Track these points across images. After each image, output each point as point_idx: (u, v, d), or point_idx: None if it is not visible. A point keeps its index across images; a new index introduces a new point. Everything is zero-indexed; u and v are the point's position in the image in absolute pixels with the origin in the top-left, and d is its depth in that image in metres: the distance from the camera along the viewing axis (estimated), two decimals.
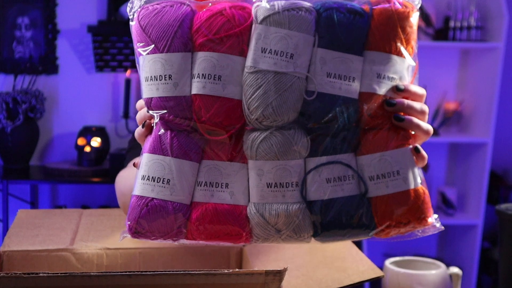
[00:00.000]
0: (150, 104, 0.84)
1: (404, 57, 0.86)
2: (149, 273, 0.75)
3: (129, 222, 0.82)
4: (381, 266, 1.17)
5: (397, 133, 0.83)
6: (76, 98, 3.24)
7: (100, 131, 3.03)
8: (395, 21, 0.83)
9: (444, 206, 3.32)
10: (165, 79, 0.83)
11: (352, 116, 0.81)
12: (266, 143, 0.80)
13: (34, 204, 3.14)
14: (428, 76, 3.44)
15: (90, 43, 3.20)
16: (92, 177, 2.90)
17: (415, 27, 0.86)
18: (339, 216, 0.81)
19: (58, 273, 0.74)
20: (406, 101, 0.84)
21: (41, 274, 0.73)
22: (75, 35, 3.23)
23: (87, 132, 3.01)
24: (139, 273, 0.75)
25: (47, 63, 3.21)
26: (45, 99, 3.11)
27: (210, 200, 0.82)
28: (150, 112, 0.84)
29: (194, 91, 0.81)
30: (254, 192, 0.81)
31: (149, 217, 0.81)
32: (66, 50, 3.23)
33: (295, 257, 1.10)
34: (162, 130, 0.83)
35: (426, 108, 0.87)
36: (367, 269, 1.04)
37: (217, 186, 0.82)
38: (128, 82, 3.10)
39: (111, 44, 3.22)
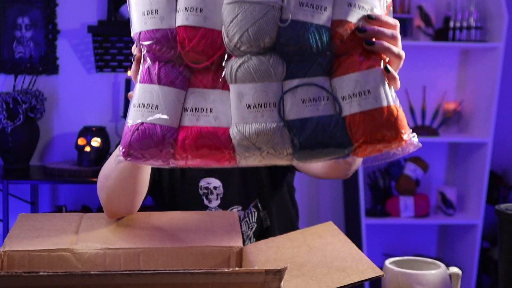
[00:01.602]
0: (139, 37, 0.92)
1: None
2: (149, 272, 0.75)
3: (122, 147, 0.90)
4: (381, 266, 1.17)
5: (369, 57, 0.88)
6: (76, 98, 3.25)
7: (100, 131, 3.03)
8: None
9: (444, 206, 3.32)
10: (152, 14, 0.91)
11: (324, 43, 0.87)
12: (244, 67, 0.87)
13: (34, 204, 3.14)
14: (428, 76, 3.44)
15: (90, 43, 3.20)
16: (92, 177, 2.90)
17: None
18: (315, 134, 0.86)
19: (58, 272, 0.74)
20: (377, 28, 0.88)
21: (41, 273, 0.73)
22: (75, 35, 3.23)
23: (87, 132, 3.01)
24: (139, 272, 0.75)
25: (47, 63, 3.21)
26: (45, 99, 3.11)
27: (196, 124, 0.89)
28: (140, 43, 0.92)
29: (178, 23, 0.89)
30: (235, 113, 0.88)
31: (140, 140, 0.89)
32: (66, 50, 3.23)
33: (295, 256, 1.10)
34: (150, 62, 0.91)
35: (398, 35, 0.90)
36: (366, 269, 1.04)
37: (202, 111, 0.90)
38: (128, 82, 3.10)
39: (111, 44, 3.22)
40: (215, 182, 1.50)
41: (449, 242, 3.53)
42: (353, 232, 3.24)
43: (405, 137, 0.86)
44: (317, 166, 1.29)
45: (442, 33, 3.27)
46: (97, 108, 3.26)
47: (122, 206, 1.22)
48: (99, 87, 3.25)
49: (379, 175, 3.34)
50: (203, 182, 1.50)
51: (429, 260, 1.21)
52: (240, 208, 1.50)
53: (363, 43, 0.87)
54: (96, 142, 2.99)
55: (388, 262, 1.18)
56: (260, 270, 0.76)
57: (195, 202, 1.49)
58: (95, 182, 3.17)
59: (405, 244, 3.53)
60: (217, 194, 1.50)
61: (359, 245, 3.12)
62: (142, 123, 0.89)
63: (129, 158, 0.89)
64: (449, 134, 3.38)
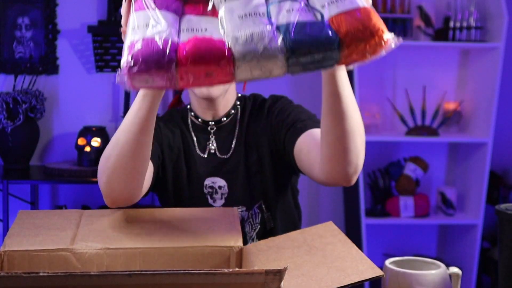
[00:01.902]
0: None
1: None
2: (149, 272, 0.75)
3: (124, 63, 0.90)
4: (380, 266, 1.17)
5: None
6: (76, 98, 3.25)
7: (100, 131, 3.03)
8: None
9: (444, 206, 3.32)
10: None
11: None
12: None
13: (34, 204, 3.15)
14: (428, 76, 3.44)
15: (90, 43, 3.20)
16: (92, 177, 2.90)
17: None
18: (303, 35, 0.92)
19: (58, 273, 0.74)
20: None
21: (41, 274, 0.73)
22: (76, 35, 3.23)
23: (87, 132, 3.01)
24: (139, 272, 0.75)
25: (47, 63, 3.21)
26: (45, 99, 3.11)
27: (194, 36, 0.94)
28: None
29: None
30: (229, 26, 0.94)
31: (143, 50, 0.91)
32: (66, 50, 3.23)
33: (295, 256, 1.10)
34: None
35: None
36: (366, 269, 1.04)
37: (197, 30, 0.95)
38: None
39: (111, 44, 3.22)
40: (220, 182, 1.50)
41: (449, 242, 3.54)
42: (353, 232, 3.24)
43: (385, 36, 0.93)
44: (320, 163, 1.24)
45: (442, 33, 3.27)
46: (97, 108, 3.26)
47: (123, 189, 1.22)
48: (99, 87, 3.26)
49: (379, 175, 3.34)
50: (208, 181, 1.50)
51: (429, 260, 1.21)
52: (244, 208, 1.50)
53: None
54: (96, 142, 2.99)
55: (388, 262, 1.18)
56: (260, 270, 0.76)
57: (200, 201, 1.49)
58: (95, 182, 3.17)
59: (405, 244, 3.53)
60: (222, 194, 1.50)
61: (359, 245, 3.12)
62: (143, 38, 0.92)
63: (131, 72, 0.90)
64: (449, 134, 3.38)
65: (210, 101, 1.49)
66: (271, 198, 1.51)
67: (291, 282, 1.00)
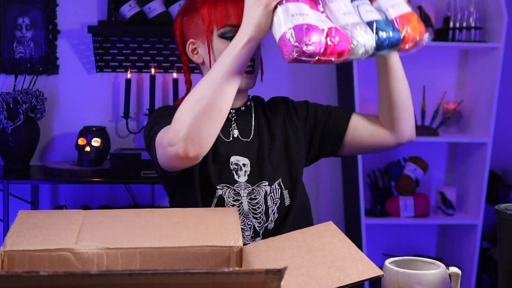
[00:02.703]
0: None
1: None
2: (149, 272, 0.75)
3: (296, 44, 1.22)
4: (380, 266, 1.17)
5: None
6: (76, 98, 3.25)
7: (100, 131, 3.03)
8: None
9: (444, 206, 3.32)
10: None
11: None
12: None
13: (34, 204, 3.15)
14: (427, 76, 3.44)
15: (90, 43, 3.20)
16: (92, 177, 2.90)
17: None
18: (381, 27, 1.31)
19: (58, 272, 0.74)
20: None
21: (41, 273, 0.73)
22: (76, 35, 3.24)
23: (88, 132, 3.01)
24: (139, 272, 0.75)
25: (47, 63, 3.21)
26: (46, 99, 3.11)
27: (330, 25, 1.29)
28: None
29: None
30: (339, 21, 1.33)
31: (309, 34, 1.22)
32: (66, 50, 3.23)
33: (295, 256, 1.10)
34: None
35: None
36: (366, 269, 1.04)
37: (321, 21, 1.29)
38: (128, 82, 3.10)
39: (111, 44, 3.22)
40: (243, 160, 1.61)
41: (449, 242, 3.54)
42: (353, 232, 3.24)
43: (425, 35, 1.38)
44: (389, 127, 1.63)
45: (442, 33, 3.27)
46: (97, 108, 3.26)
47: (208, 132, 1.35)
48: (99, 87, 3.26)
49: (379, 175, 3.35)
50: (233, 159, 1.60)
51: (429, 260, 1.21)
52: (266, 183, 1.60)
53: None
54: (96, 142, 2.99)
55: (388, 262, 1.19)
56: (260, 270, 0.76)
57: (227, 176, 1.58)
58: (96, 182, 3.15)
59: (405, 244, 3.53)
60: (245, 171, 1.60)
61: (359, 245, 3.12)
62: (304, 24, 1.23)
63: (303, 52, 1.21)
64: (449, 134, 3.38)
65: (239, 92, 1.55)
66: (288, 178, 1.64)
67: (291, 282, 1.00)
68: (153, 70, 3.14)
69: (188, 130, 1.34)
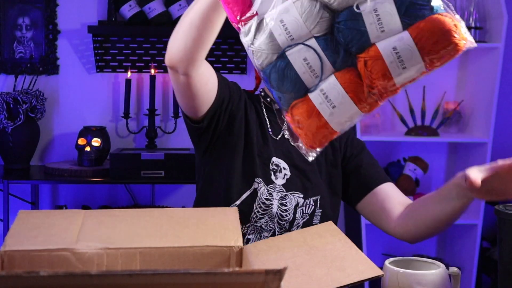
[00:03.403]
0: None
1: None
2: (149, 272, 0.75)
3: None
4: (380, 266, 1.17)
5: None
6: (76, 98, 3.25)
7: (100, 131, 3.03)
8: None
9: None
10: None
11: None
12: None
13: (34, 204, 3.15)
14: (427, 76, 3.41)
15: (90, 43, 3.20)
16: (92, 177, 2.90)
17: None
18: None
19: (58, 272, 0.74)
20: None
21: (41, 273, 0.73)
22: (76, 35, 3.23)
23: (88, 132, 3.01)
24: (140, 272, 0.75)
25: (47, 63, 3.21)
26: (46, 99, 3.11)
27: None
28: None
29: None
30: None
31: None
32: (66, 51, 3.23)
33: (295, 256, 1.10)
34: None
35: None
36: (366, 269, 1.04)
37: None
38: (128, 82, 3.10)
39: (111, 44, 3.22)
40: (284, 164, 1.59)
41: (448, 242, 3.54)
42: (353, 232, 3.24)
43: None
44: (405, 228, 1.57)
45: None
46: (97, 108, 3.26)
47: (202, 45, 1.35)
48: (99, 87, 3.26)
49: None
50: (275, 159, 1.59)
51: (429, 260, 1.22)
52: (301, 196, 1.58)
53: None
54: (96, 142, 2.99)
55: (387, 262, 1.19)
56: (260, 270, 0.76)
57: (265, 174, 1.57)
58: (96, 182, 3.15)
59: (405, 244, 3.51)
60: (284, 175, 1.58)
61: (359, 245, 3.12)
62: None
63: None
64: (449, 134, 3.38)
65: None
66: (325, 199, 1.61)
67: (291, 282, 1.00)
68: (153, 70, 3.14)
69: (170, 44, 1.40)
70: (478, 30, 3.22)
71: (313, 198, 1.59)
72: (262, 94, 1.68)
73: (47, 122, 3.21)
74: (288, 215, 1.55)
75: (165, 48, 3.46)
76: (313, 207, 1.58)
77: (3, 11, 3.19)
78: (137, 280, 0.75)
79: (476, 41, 3.36)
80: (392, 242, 3.52)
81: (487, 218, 3.33)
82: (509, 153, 3.54)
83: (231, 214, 1.24)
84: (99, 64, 3.21)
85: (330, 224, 1.26)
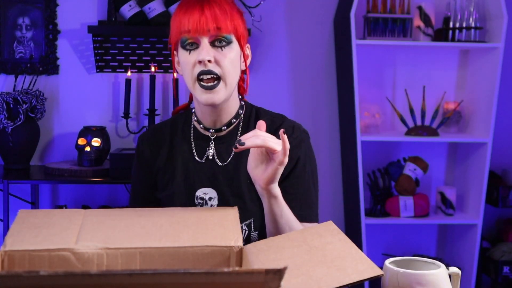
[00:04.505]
0: None
1: None
2: (149, 272, 0.75)
3: None
4: (380, 266, 1.17)
5: None
6: (76, 98, 3.25)
7: (100, 131, 3.03)
8: None
9: (444, 206, 3.32)
10: None
11: None
12: None
13: (34, 204, 3.15)
14: (427, 76, 3.44)
15: (90, 43, 3.21)
16: (92, 177, 2.90)
17: None
18: None
19: (58, 272, 0.74)
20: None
21: (41, 273, 0.73)
22: (76, 35, 3.24)
23: (88, 132, 3.01)
24: (140, 272, 0.75)
25: (47, 63, 3.21)
26: (46, 99, 3.11)
27: None
28: None
29: None
30: None
31: None
32: (66, 51, 3.23)
33: (295, 256, 1.10)
34: None
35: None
36: (366, 268, 1.04)
37: None
38: (128, 82, 3.10)
39: (111, 44, 3.22)
40: (211, 193, 1.51)
41: (448, 242, 3.54)
42: (353, 232, 3.24)
43: None
44: None
45: (441, 33, 3.27)
46: (97, 108, 3.26)
47: None
48: (99, 87, 3.26)
49: (379, 175, 3.35)
50: (199, 193, 1.52)
51: (429, 260, 1.22)
52: None
53: None
54: (96, 142, 2.99)
55: (387, 262, 1.19)
56: (260, 270, 0.76)
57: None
58: (96, 182, 3.15)
59: (405, 244, 3.53)
60: (211, 205, 1.51)
61: (359, 245, 3.12)
62: None
63: None
64: (448, 134, 3.38)
65: (213, 108, 1.50)
66: (261, 219, 1.50)
67: (291, 281, 1.00)
68: (153, 68, 3.15)
69: None
70: (478, 30, 3.22)
71: (245, 223, 1.50)
72: (193, 111, 1.60)
73: (47, 122, 3.21)
74: None
75: (165, 48, 3.47)
76: (246, 231, 1.50)
77: (3, 11, 3.19)
78: (137, 280, 0.75)
79: (476, 41, 3.38)
80: (392, 242, 3.52)
81: (487, 218, 3.34)
82: (509, 153, 3.55)
83: (231, 213, 1.24)
84: (99, 64, 3.21)
85: (330, 224, 1.26)
